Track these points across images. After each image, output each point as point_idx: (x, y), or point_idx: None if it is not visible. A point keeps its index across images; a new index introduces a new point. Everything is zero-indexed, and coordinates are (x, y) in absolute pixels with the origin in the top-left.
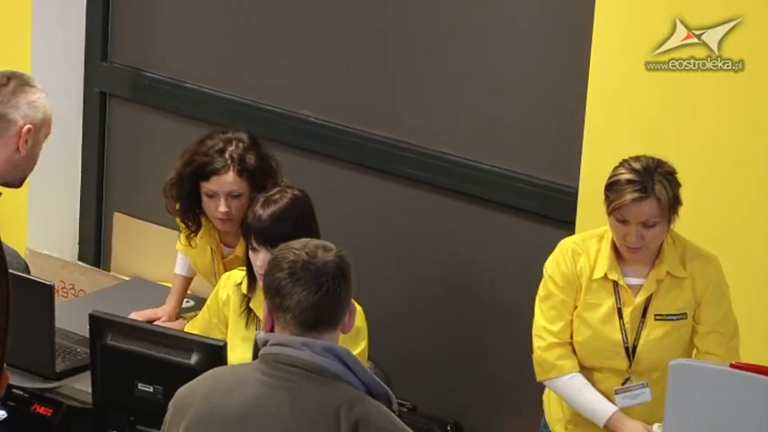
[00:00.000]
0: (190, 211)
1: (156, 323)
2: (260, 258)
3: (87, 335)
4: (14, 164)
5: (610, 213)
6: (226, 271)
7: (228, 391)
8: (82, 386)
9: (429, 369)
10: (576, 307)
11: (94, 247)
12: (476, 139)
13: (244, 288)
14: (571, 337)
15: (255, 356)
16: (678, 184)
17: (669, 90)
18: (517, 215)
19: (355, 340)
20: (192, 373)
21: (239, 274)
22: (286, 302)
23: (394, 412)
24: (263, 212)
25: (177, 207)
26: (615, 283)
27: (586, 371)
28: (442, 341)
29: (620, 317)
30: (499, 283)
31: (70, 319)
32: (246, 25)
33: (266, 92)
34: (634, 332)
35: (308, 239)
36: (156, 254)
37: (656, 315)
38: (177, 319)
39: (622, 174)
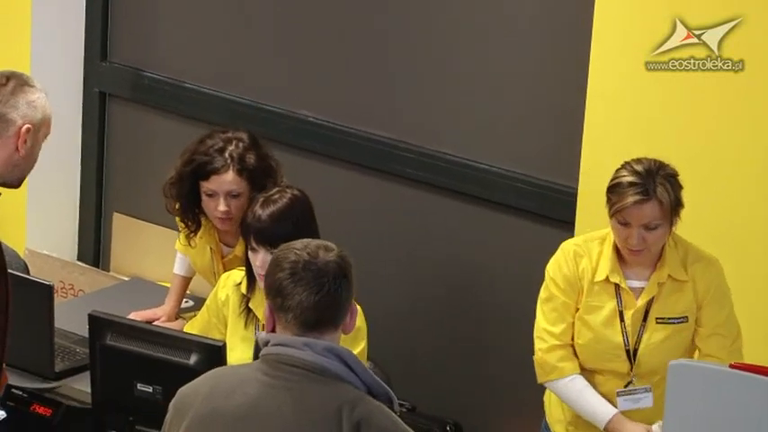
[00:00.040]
0: (189, 211)
1: (155, 323)
2: (259, 258)
3: (86, 335)
4: (14, 164)
5: (612, 216)
6: (225, 271)
7: (229, 392)
8: (81, 386)
9: (429, 369)
10: (577, 309)
11: (94, 247)
12: (475, 139)
13: (243, 288)
14: (572, 340)
15: (256, 357)
16: (680, 187)
17: (669, 90)
18: (516, 215)
19: (354, 340)
20: (191, 373)
21: (238, 275)
22: (287, 303)
23: (395, 413)
24: (262, 212)
25: (177, 206)
26: (617, 286)
27: (587, 373)
28: (441, 341)
29: (622, 320)
30: (498, 283)
31: (69, 320)
32: (246, 25)
33: (266, 92)
34: (635, 335)
35: (310, 240)
36: (156, 254)
37: (657, 318)
38: (176, 319)
39: (624, 176)
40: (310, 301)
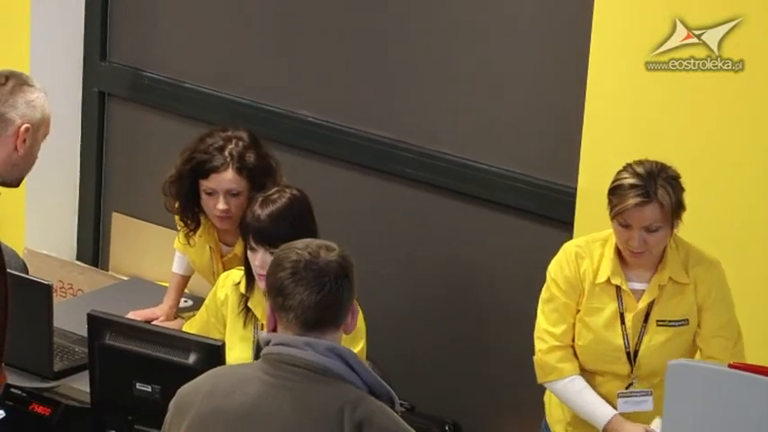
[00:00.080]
0: (189, 210)
1: (154, 323)
2: (258, 258)
3: (85, 334)
4: (13, 163)
5: (613, 218)
6: (225, 270)
7: (230, 391)
8: (80, 386)
9: (428, 369)
10: (578, 310)
11: (93, 247)
12: (475, 139)
13: (242, 288)
14: (573, 341)
15: (257, 356)
16: (682, 189)
17: (669, 90)
18: (516, 215)
19: (353, 340)
20: (190, 372)
21: (237, 274)
22: (288, 302)
23: (397, 412)
24: (261, 212)
25: (176, 205)
26: (618, 288)
27: (588, 374)
28: (440, 341)
29: (623, 322)
30: (498, 283)
31: (68, 319)
32: (245, 25)
33: (265, 92)
34: (636, 337)
35: (311, 239)
36: (155, 254)
37: (658, 321)
38: (175, 318)
39: (626, 178)
40: (311, 300)
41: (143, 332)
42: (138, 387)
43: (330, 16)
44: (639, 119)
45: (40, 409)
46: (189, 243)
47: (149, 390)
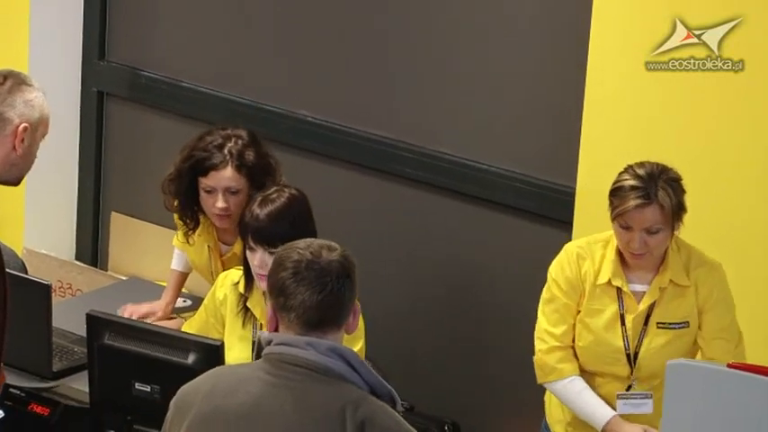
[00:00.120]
0: (188, 208)
1: (150, 319)
2: (257, 258)
3: (84, 334)
4: (11, 163)
5: (613, 219)
6: (224, 269)
7: (231, 390)
8: (79, 386)
9: (427, 369)
10: (578, 311)
11: (92, 247)
12: (474, 139)
13: (241, 287)
14: (573, 341)
15: (258, 356)
16: (683, 191)
17: (669, 90)
18: (515, 215)
19: (353, 339)
20: (189, 372)
21: (236, 274)
22: (290, 302)
23: (398, 412)
24: (260, 212)
25: (175, 204)
26: (619, 290)
27: (588, 375)
28: (440, 341)
29: (623, 323)
30: (497, 283)
31: (67, 319)
32: (244, 25)
33: (264, 92)
34: (636, 339)
35: (313, 239)
36: (154, 253)
37: (658, 323)
38: (172, 313)
39: (626, 180)
40: (313, 300)
41: (142, 332)
42: (137, 387)
43: (329, 16)
44: (639, 119)
45: (38, 410)
46: (188, 242)
47: (148, 390)
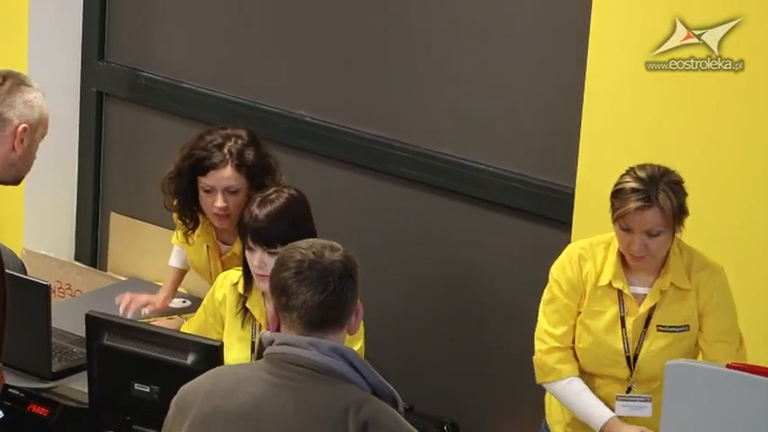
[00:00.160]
0: (187, 208)
1: (146, 309)
2: (256, 258)
3: (84, 335)
4: (11, 163)
5: (614, 221)
6: (223, 268)
7: (232, 390)
8: (78, 386)
9: (426, 369)
10: (579, 312)
11: (91, 247)
12: (472, 139)
13: (240, 288)
14: (573, 342)
15: (259, 356)
16: (684, 194)
17: (669, 90)
18: (513, 215)
19: (352, 339)
20: (188, 373)
21: (236, 274)
22: (292, 302)
23: (400, 413)
24: (259, 212)
25: (175, 203)
26: (620, 292)
27: (587, 377)
28: (438, 341)
29: (623, 326)
30: (495, 283)
31: (67, 320)
32: (243, 25)
33: (263, 92)
34: (636, 342)
35: (316, 239)
36: (153, 254)
37: (658, 326)
38: (172, 316)
39: (628, 182)
40: (315, 300)
41: (141, 333)
42: (136, 387)
43: (328, 16)
44: (639, 119)
45: (38, 410)
46: (188, 242)
47: (148, 390)
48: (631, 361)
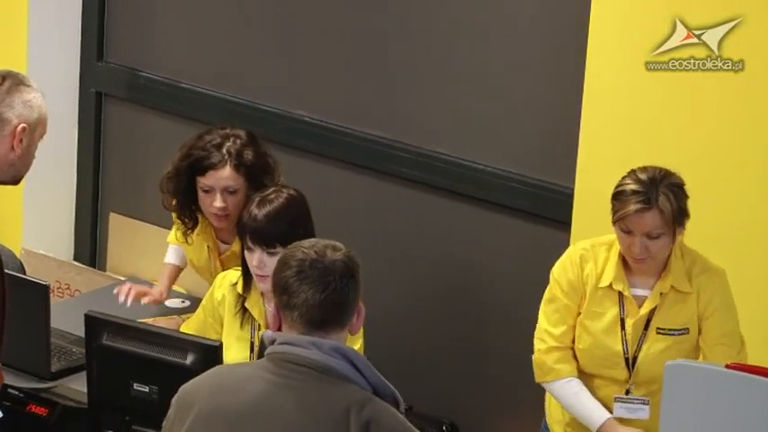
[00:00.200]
0: (186, 207)
1: (146, 300)
2: (255, 258)
3: (83, 335)
4: (9, 163)
5: (614, 223)
6: (223, 268)
7: (233, 389)
8: (77, 386)
9: (425, 368)
10: (579, 313)
11: (90, 247)
12: (471, 139)
13: (239, 288)
14: (573, 343)
15: (260, 355)
16: (685, 197)
17: (669, 90)
18: (512, 215)
19: (352, 340)
20: (187, 373)
21: (235, 274)
22: (293, 300)
23: (401, 413)
24: (258, 212)
25: (174, 203)
26: (620, 294)
27: (586, 377)
28: (437, 340)
29: (623, 327)
30: (494, 283)
31: (66, 319)
32: (242, 25)
33: (262, 92)
34: (635, 344)
35: (318, 239)
36: (152, 254)
37: (658, 329)
38: (172, 316)
39: (628, 184)
40: (316, 299)
41: (140, 333)
42: (135, 387)
43: (327, 17)
44: (639, 119)
45: (37, 410)
46: (187, 242)
47: (147, 390)
48: (630, 363)
